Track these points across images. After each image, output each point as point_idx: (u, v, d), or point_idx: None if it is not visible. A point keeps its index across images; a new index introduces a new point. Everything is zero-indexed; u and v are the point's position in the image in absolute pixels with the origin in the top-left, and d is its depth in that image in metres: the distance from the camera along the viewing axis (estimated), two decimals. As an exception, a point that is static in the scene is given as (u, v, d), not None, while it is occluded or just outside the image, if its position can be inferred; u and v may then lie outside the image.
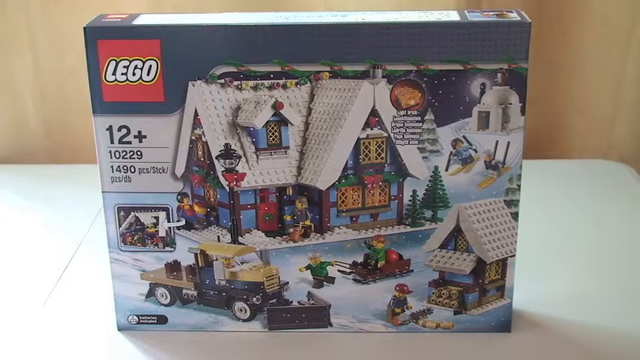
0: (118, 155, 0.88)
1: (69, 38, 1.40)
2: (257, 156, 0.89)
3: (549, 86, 1.43)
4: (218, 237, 0.92)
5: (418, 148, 0.87)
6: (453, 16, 0.85)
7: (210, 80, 0.85)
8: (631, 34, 1.39)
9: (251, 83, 0.86)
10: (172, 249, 0.92)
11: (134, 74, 0.85)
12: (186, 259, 0.93)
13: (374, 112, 0.86)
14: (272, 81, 0.86)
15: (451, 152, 0.87)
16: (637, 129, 1.46)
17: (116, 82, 0.85)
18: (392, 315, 0.94)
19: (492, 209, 0.89)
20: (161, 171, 0.89)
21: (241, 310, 0.94)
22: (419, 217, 0.90)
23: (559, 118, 1.47)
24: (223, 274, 0.93)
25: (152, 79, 0.85)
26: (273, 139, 0.89)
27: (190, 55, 0.84)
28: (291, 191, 0.90)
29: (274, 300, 0.94)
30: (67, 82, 1.44)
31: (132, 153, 0.88)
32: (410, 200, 0.89)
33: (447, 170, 0.88)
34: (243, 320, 0.94)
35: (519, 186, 0.88)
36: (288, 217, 0.91)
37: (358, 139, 0.88)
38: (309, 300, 0.94)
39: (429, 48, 0.83)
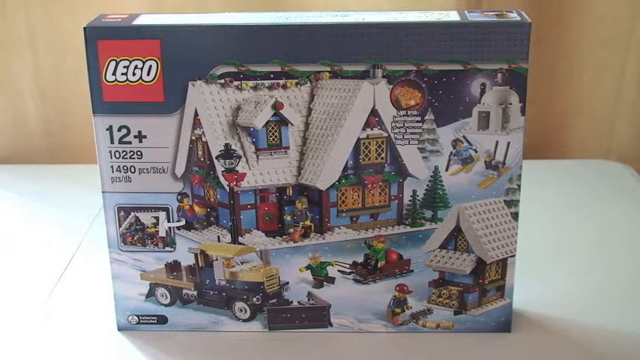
0: (118, 155, 0.88)
1: (69, 38, 1.40)
2: (257, 156, 0.89)
3: (549, 86, 1.43)
4: (218, 237, 0.92)
5: (418, 148, 0.87)
6: (453, 16, 0.85)
7: (210, 80, 0.85)
8: (631, 34, 1.39)
9: (251, 83, 0.86)
10: (172, 249, 0.92)
11: (134, 74, 0.85)
12: (187, 259, 0.93)
13: (374, 112, 0.86)
14: (272, 81, 0.86)
15: (451, 152, 0.87)
16: (637, 129, 1.46)
17: (116, 82, 0.85)
18: (392, 315, 0.94)
19: (492, 209, 0.89)
20: (161, 171, 0.89)
21: (241, 310, 0.94)
22: (419, 217, 0.90)
23: (559, 118, 1.47)
24: (223, 274, 0.93)
25: (152, 79, 0.85)
26: (273, 139, 0.89)
27: (190, 55, 0.84)
28: (291, 191, 0.90)
29: (274, 300, 0.94)
30: (67, 82, 1.44)
31: (132, 153, 0.88)
32: (410, 200, 0.89)
33: (447, 170, 0.88)
34: (243, 320, 0.94)
35: (519, 186, 0.88)
36: (288, 217, 0.91)
37: (358, 139, 0.88)
38: (309, 300, 0.94)
39: (429, 48, 0.83)
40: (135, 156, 0.88)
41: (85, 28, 0.84)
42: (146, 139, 0.88)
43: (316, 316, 0.94)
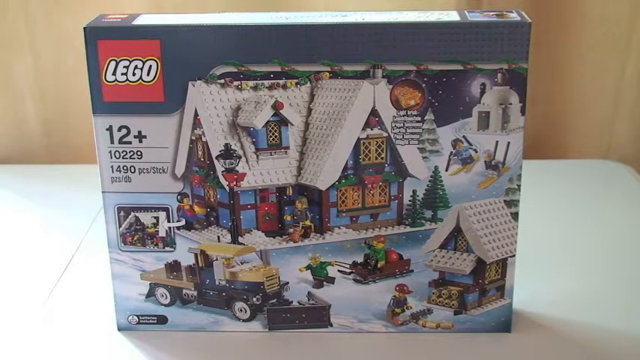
0: (118, 155, 0.88)
1: (69, 38, 1.40)
2: (257, 156, 0.89)
3: (549, 86, 1.43)
4: (218, 237, 0.92)
5: (418, 148, 0.87)
6: (453, 16, 0.85)
7: (210, 80, 0.85)
8: (631, 34, 1.39)
9: (251, 83, 0.86)
10: (172, 249, 0.92)
11: (134, 74, 0.85)
12: (186, 259, 0.93)
13: (374, 112, 0.86)
14: (272, 81, 0.86)
15: (451, 152, 0.87)
16: (637, 129, 1.46)
17: (116, 82, 0.85)
18: (392, 315, 0.94)
19: (492, 209, 0.89)
20: (161, 171, 0.89)
21: (241, 310, 0.94)
22: (419, 217, 0.90)
23: (559, 118, 1.47)
24: (223, 274, 0.93)
25: (152, 79, 0.85)
26: (273, 139, 0.89)
27: (190, 55, 0.84)
28: (291, 191, 0.90)
29: (274, 300, 0.94)
30: (67, 82, 1.44)
31: (132, 153, 0.88)
32: (410, 200, 0.89)
33: (447, 170, 0.88)
34: (243, 320, 0.94)
35: (519, 186, 0.88)
36: (288, 217, 0.91)
37: (358, 139, 0.88)
38: (309, 300, 0.94)
39: (429, 48, 0.83)
40: (135, 156, 0.88)
41: (85, 28, 0.84)
42: (146, 139, 0.88)
43: (316, 316, 0.94)
